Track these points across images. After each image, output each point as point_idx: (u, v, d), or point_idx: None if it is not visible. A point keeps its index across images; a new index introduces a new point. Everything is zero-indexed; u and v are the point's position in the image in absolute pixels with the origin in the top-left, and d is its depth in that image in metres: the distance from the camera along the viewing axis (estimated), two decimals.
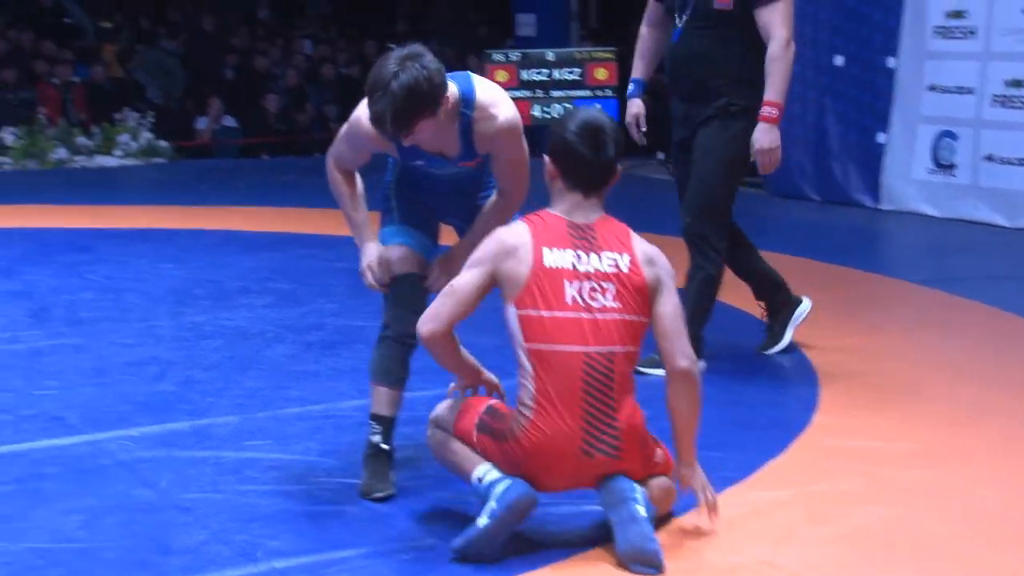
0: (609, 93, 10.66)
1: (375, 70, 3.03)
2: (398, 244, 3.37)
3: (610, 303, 2.85)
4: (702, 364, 4.51)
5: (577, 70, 10.73)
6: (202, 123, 13.47)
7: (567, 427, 2.80)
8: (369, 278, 3.36)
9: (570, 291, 2.84)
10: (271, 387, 4.27)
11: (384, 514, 3.11)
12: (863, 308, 5.87)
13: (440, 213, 3.49)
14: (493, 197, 3.37)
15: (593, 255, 2.88)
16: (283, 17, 17.17)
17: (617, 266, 2.88)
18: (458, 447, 2.98)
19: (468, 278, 2.91)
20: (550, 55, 10.78)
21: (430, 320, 2.93)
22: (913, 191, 8.73)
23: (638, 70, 4.69)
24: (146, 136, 12.50)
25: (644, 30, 4.67)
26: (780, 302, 4.79)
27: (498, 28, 15.30)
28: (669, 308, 2.94)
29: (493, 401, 3.04)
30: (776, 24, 4.24)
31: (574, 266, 2.85)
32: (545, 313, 2.83)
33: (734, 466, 3.46)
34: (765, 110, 4.27)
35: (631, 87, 4.69)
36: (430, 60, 3.03)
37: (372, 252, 3.37)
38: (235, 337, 5.00)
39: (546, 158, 2.98)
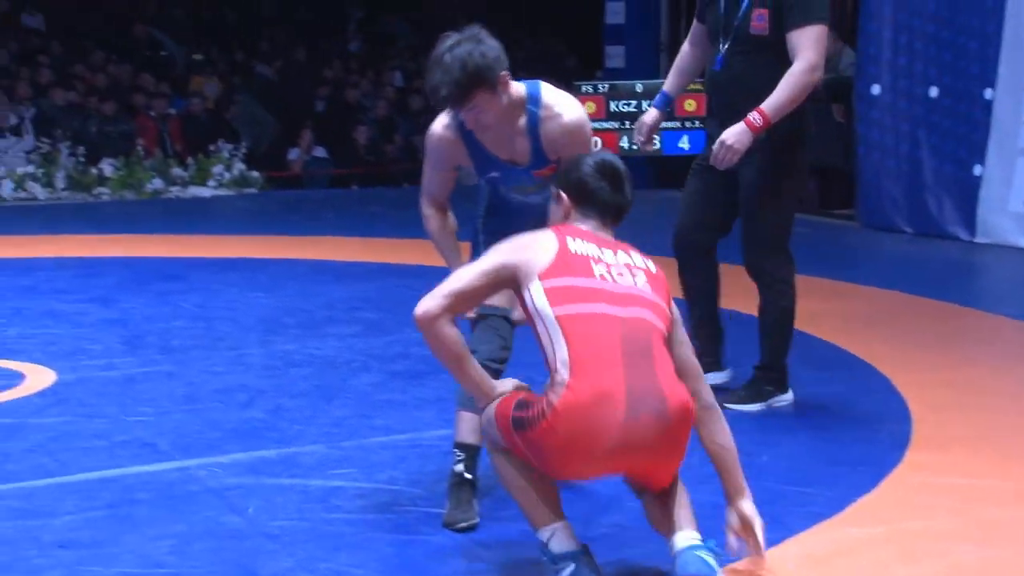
0: (698, 124, 10.62)
1: (434, 50, 3.12)
2: None
3: (641, 284, 2.77)
4: (789, 395, 4.45)
5: None
6: (294, 154, 13.69)
7: (608, 386, 2.58)
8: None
9: (597, 270, 2.74)
10: (357, 416, 4.30)
11: (468, 544, 3.11)
12: (957, 342, 5.74)
13: None
14: None
15: (621, 252, 2.84)
16: (373, 49, 17.41)
17: (646, 265, 2.85)
18: (520, 484, 2.74)
19: (477, 263, 2.84)
20: (639, 86, 10.77)
21: (426, 298, 2.75)
22: (1010, 224, 8.54)
23: (668, 84, 4.65)
24: (239, 167, 12.74)
25: (684, 47, 4.64)
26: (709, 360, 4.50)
27: (587, 60, 15.34)
28: (688, 347, 2.87)
29: (521, 394, 2.78)
30: (804, 47, 4.12)
31: (599, 257, 2.78)
32: (572, 281, 2.70)
33: (823, 502, 3.39)
34: (752, 115, 4.11)
35: (656, 97, 4.65)
36: (487, 38, 3.10)
37: None
38: (323, 366, 5.04)
39: (562, 195, 2.95)
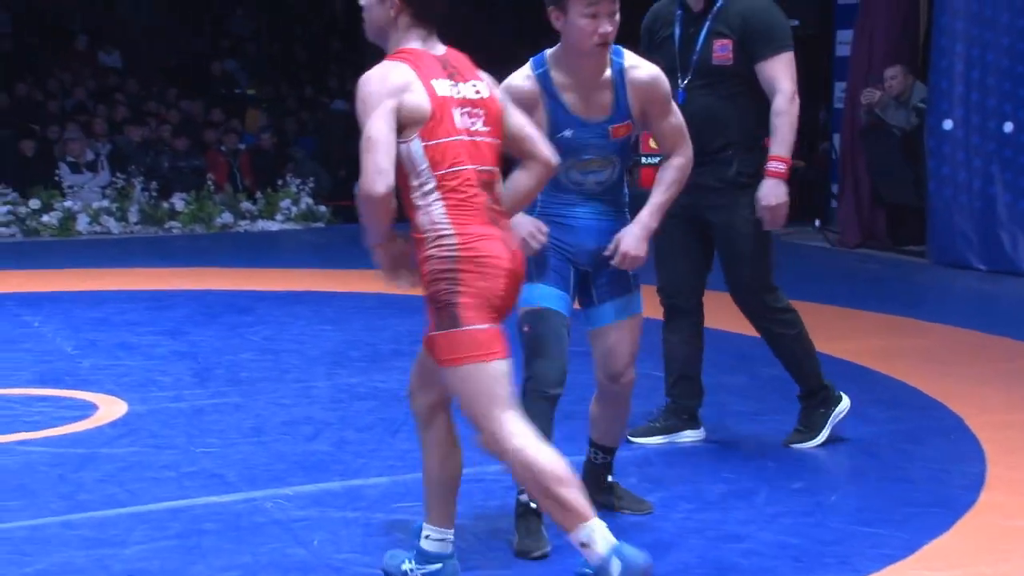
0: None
1: None
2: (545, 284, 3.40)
3: (482, 127, 2.95)
4: (845, 402, 4.38)
5: None
6: (358, 188, 13.82)
7: (487, 228, 2.88)
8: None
9: (457, 117, 2.90)
10: (418, 449, 4.29)
11: (539, 574, 3.09)
12: None
13: (580, 257, 3.48)
14: (668, 162, 3.48)
15: (462, 84, 2.95)
16: None
17: (479, 92, 2.97)
18: (532, 489, 2.89)
19: (382, 124, 2.84)
20: None
21: (381, 175, 2.83)
22: None
23: None
24: (306, 201, 12.88)
25: None
26: (686, 409, 4.43)
27: None
28: (519, 115, 3.06)
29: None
30: (780, 77, 4.07)
31: (452, 94, 2.91)
32: (445, 140, 2.87)
33: (896, 544, 3.33)
34: (772, 165, 4.08)
35: None
36: None
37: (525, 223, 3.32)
38: (387, 399, 5.06)
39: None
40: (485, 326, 2.85)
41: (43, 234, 11.76)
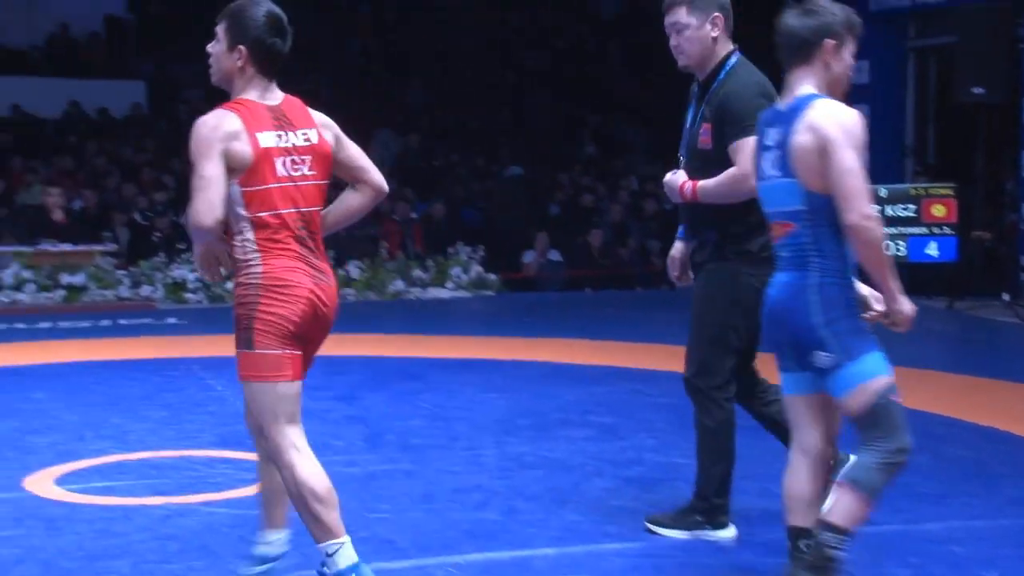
0: (947, 231, 10.26)
1: None
2: None
3: (308, 172, 3.35)
4: (725, 534, 4.12)
5: (912, 206, 10.43)
6: (529, 256, 13.96)
7: (294, 261, 3.29)
8: None
9: (279, 166, 3.30)
10: (590, 521, 4.28)
11: None
12: None
13: None
14: None
15: (291, 133, 3.34)
16: (608, 154, 17.67)
17: (308, 140, 3.37)
18: (300, 497, 3.30)
19: (213, 166, 3.22)
20: (883, 191, 10.51)
21: (212, 210, 3.19)
22: None
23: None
24: (476, 269, 13.08)
25: None
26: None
27: None
28: (353, 149, 3.52)
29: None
30: (738, 161, 3.96)
31: (278, 144, 3.31)
32: (262, 187, 3.27)
33: None
34: (688, 185, 4.08)
35: (679, 230, 4.42)
36: None
37: None
38: (556, 468, 5.06)
39: (240, 48, 3.32)
40: (276, 351, 3.27)
41: (227, 301, 12.21)
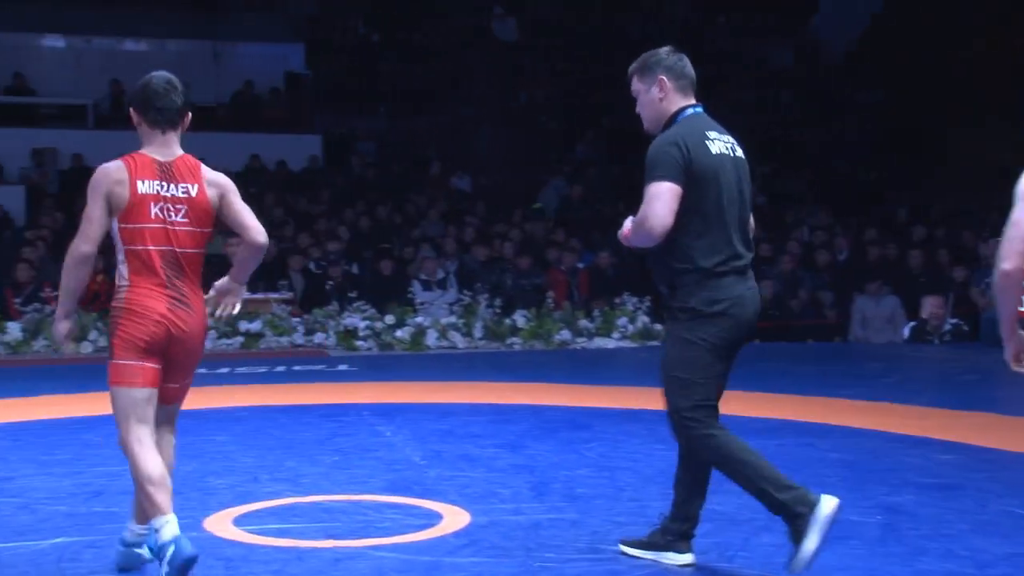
0: None
1: None
2: None
3: (181, 219, 4.09)
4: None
5: None
6: None
7: (154, 289, 4.04)
8: None
9: (154, 209, 4.05)
10: None
11: None
12: None
13: None
14: None
15: (171, 185, 4.08)
16: (777, 205, 17.43)
17: (188, 193, 4.09)
18: (142, 479, 3.98)
19: (97, 207, 4.01)
20: None
21: (88, 241, 4.00)
22: None
23: None
24: (643, 320, 13.02)
25: None
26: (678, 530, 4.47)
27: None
28: (236, 207, 4.19)
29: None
30: (642, 206, 4.18)
31: (158, 192, 4.06)
32: (135, 225, 4.03)
33: None
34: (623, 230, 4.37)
35: None
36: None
37: None
38: (724, 523, 4.97)
39: (131, 111, 4.14)
40: (131, 361, 4.03)
41: (396, 348, 12.47)
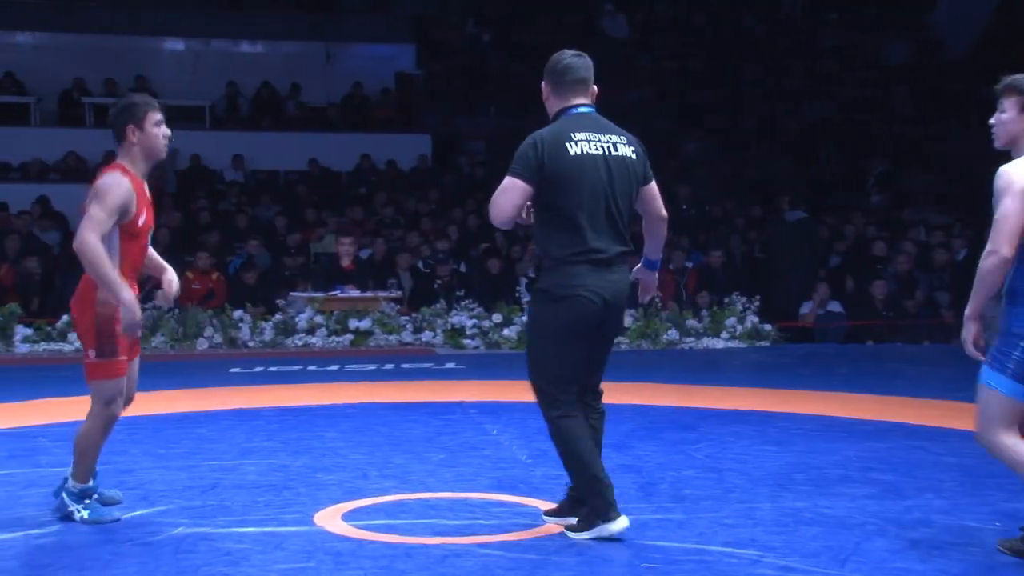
0: None
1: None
2: None
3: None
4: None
5: None
6: (806, 307, 13.62)
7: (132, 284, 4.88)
8: None
9: (143, 219, 4.85)
10: None
11: None
12: None
13: None
14: None
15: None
16: (894, 203, 17.07)
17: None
18: (95, 445, 4.91)
19: (104, 213, 4.67)
20: None
21: (94, 231, 4.63)
22: None
23: None
24: (752, 319, 12.87)
25: None
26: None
27: None
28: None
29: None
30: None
31: (143, 196, 4.87)
32: (133, 234, 4.81)
33: None
34: None
35: None
36: None
37: None
38: (835, 526, 4.88)
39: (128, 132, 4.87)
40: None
41: (503, 346, 12.51)
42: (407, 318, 12.76)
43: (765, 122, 18.95)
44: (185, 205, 15.94)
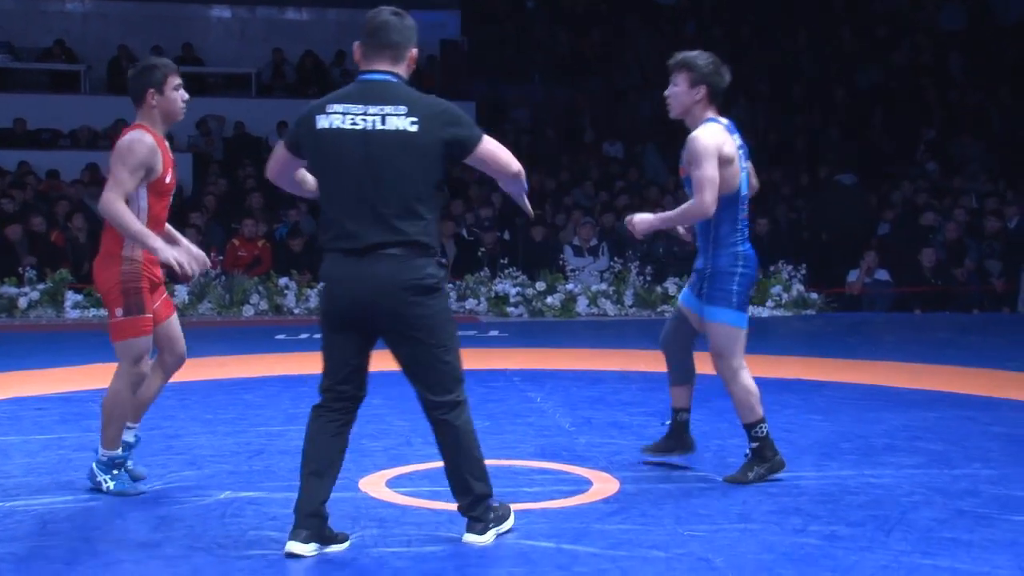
0: None
1: None
2: None
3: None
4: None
5: None
6: (853, 275, 13.49)
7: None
8: None
9: (169, 176, 4.91)
10: (919, 552, 4.07)
11: None
12: None
13: None
14: None
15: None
16: (945, 171, 16.83)
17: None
18: (121, 413, 4.90)
19: (128, 175, 4.70)
20: None
21: (118, 196, 4.66)
22: None
23: None
24: (798, 288, 12.77)
25: None
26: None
27: None
28: None
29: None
30: None
31: (167, 155, 4.88)
32: (160, 192, 4.87)
33: None
34: None
35: None
36: None
37: None
38: (881, 496, 4.85)
39: (150, 95, 4.88)
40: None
41: (547, 315, 12.52)
42: (451, 286, 12.79)
43: (815, 89, 18.72)
44: (231, 172, 16.02)
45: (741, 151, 5.10)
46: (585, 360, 9.07)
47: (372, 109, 4.02)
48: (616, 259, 13.16)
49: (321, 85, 18.72)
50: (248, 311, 12.32)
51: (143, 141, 4.74)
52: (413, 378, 4.29)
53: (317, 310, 4.35)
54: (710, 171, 4.91)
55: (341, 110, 4.03)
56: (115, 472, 4.89)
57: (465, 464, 4.21)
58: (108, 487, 4.87)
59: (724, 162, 4.96)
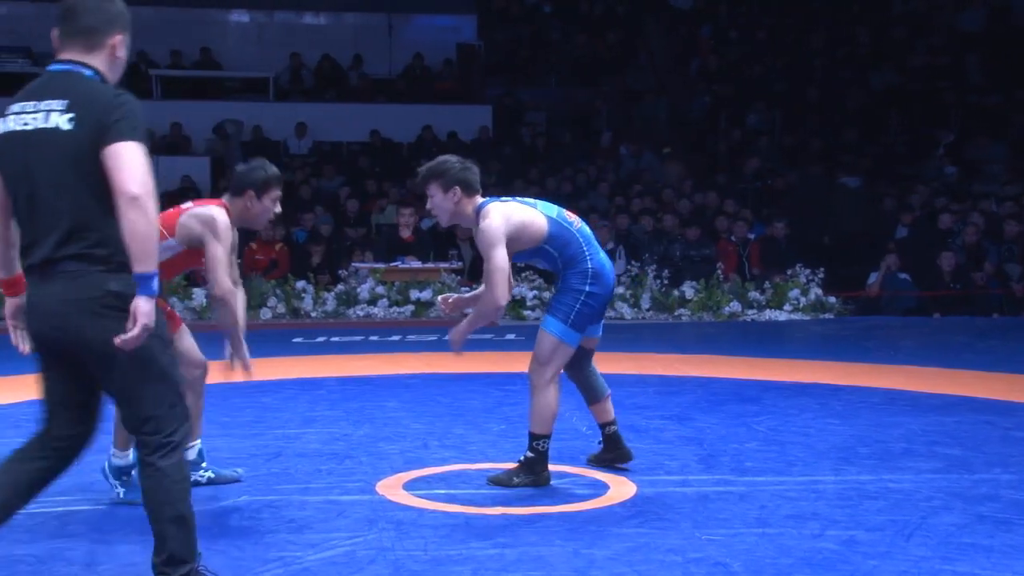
0: None
1: None
2: None
3: None
4: None
5: None
6: (873, 278, 13.44)
7: None
8: None
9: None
10: (938, 557, 4.05)
11: None
12: None
13: None
14: None
15: None
16: (963, 174, 16.76)
17: None
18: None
19: (223, 252, 4.75)
20: None
21: (221, 282, 4.70)
22: None
23: None
24: (815, 291, 12.73)
25: None
26: None
27: None
28: None
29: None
30: None
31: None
32: (194, 258, 4.91)
33: None
34: None
35: None
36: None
37: None
38: (900, 500, 4.83)
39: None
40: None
41: None
42: (468, 289, 12.78)
43: (830, 91, 18.67)
44: None
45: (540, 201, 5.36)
46: (601, 364, 8.99)
47: (40, 105, 3.34)
48: (633, 262, 13.14)
49: (338, 89, 18.78)
50: (265, 314, 12.34)
51: (227, 224, 4.81)
52: (121, 414, 3.64)
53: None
54: (496, 260, 4.96)
55: (18, 109, 3.37)
56: (124, 479, 4.90)
57: (166, 513, 3.51)
58: (119, 493, 4.88)
59: (520, 228, 5.07)
